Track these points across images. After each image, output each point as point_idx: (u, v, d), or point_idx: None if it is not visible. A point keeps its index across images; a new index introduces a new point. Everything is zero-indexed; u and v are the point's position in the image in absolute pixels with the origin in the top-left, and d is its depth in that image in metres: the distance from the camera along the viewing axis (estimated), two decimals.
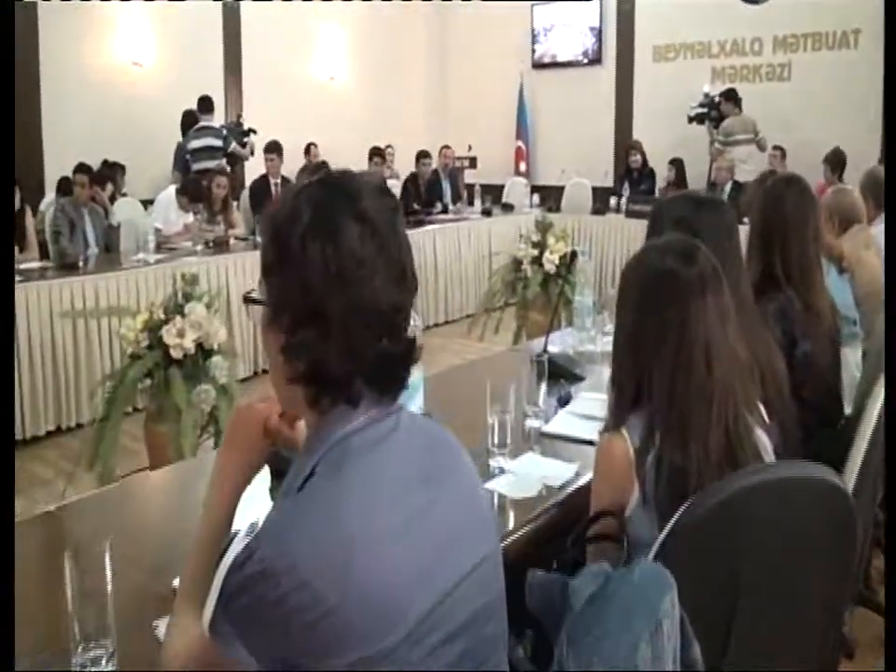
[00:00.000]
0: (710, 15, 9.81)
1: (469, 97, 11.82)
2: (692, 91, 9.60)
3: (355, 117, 10.85)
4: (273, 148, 8.00)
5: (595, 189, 9.91)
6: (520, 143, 11.20)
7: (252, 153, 8.71)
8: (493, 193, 10.40)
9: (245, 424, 1.41)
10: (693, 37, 10.06)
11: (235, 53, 9.91)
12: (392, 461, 1.22)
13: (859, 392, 3.00)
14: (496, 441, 2.30)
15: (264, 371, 6.86)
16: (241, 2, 9.87)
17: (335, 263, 1.14)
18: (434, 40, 12.04)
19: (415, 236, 7.96)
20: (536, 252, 6.48)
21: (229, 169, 8.15)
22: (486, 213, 9.06)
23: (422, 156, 9.24)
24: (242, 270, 6.64)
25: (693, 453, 1.65)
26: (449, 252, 8.17)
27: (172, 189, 7.27)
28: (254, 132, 8.63)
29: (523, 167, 11.16)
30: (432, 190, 9.24)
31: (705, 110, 9.41)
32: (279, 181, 8.03)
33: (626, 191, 9.37)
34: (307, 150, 10.00)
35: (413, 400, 2.59)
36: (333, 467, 1.18)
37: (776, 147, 8.89)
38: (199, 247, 6.91)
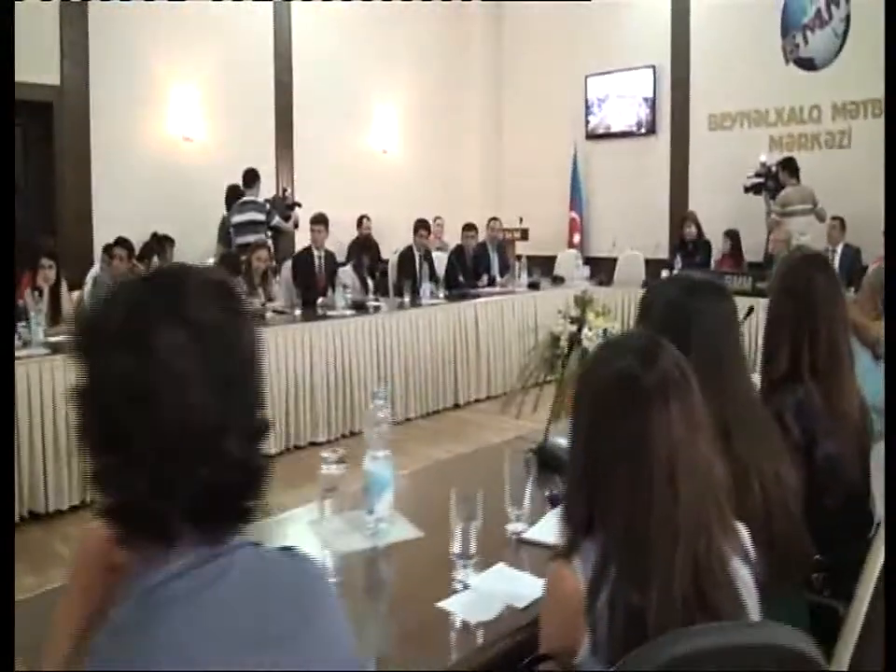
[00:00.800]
0: (767, 82, 9.55)
1: (523, 169, 11.68)
2: (748, 160, 9.32)
3: (408, 189, 10.80)
4: (320, 220, 7.90)
5: (648, 262, 9.63)
6: (573, 214, 10.99)
7: (297, 226, 8.66)
8: (545, 266, 10.21)
9: (85, 553, 1.19)
10: (749, 105, 9.79)
11: (287, 126, 9.95)
12: (213, 617, 0.98)
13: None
14: (458, 550, 2.02)
15: (296, 447, 6.73)
16: (293, 78, 9.96)
17: (142, 377, 0.94)
18: (488, 111, 11.99)
19: (457, 310, 7.79)
20: (574, 328, 6.21)
21: (271, 242, 8.08)
22: (533, 286, 8.82)
23: (467, 228, 9.09)
24: (275, 343, 6.50)
25: (654, 593, 1.36)
26: (492, 326, 7.92)
27: (209, 262, 7.22)
28: (299, 205, 8.59)
29: (576, 239, 10.93)
30: (479, 263, 9.06)
31: (761, 180, 9.11)
32: (323, 254, 7.92)
33: (679, 264, 9.06)
34: (359, 223, 9.95)
35: (382, 499, 2.37)
36: (140, 624, 0.96)
37: (834, 218, 8.52)
38: None
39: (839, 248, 8.40)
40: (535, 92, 11.47)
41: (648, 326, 2.08)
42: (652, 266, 9.40)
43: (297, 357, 6.65)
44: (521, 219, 10.43)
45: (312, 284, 7.74)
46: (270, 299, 7.46)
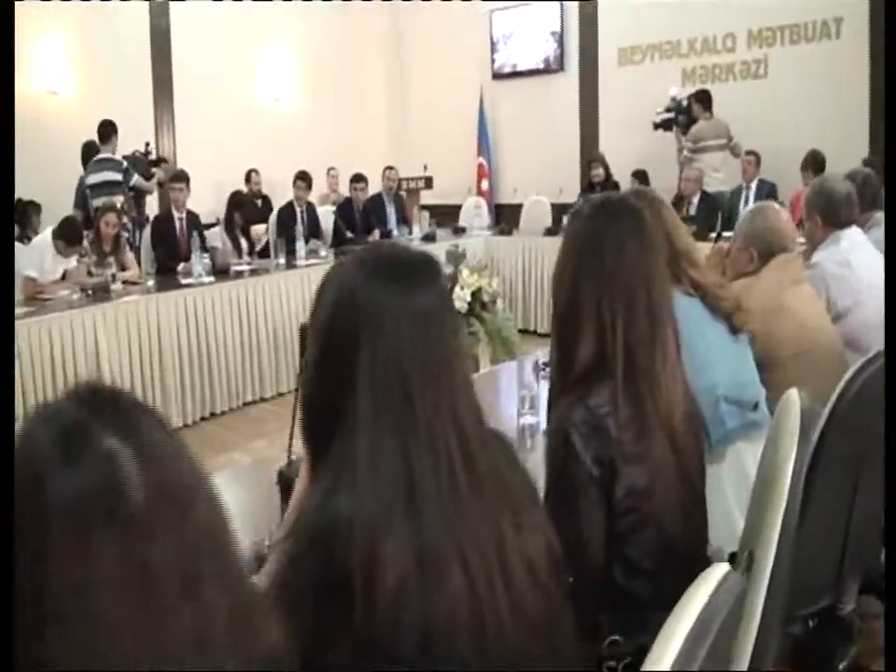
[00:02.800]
0: (679, 11, 8.59)
1: (428, 114, 10.65)
2: (661, 96, 8.40)
3: (305, 140, 9.75)
4: (179, 177, 6.90)
5: (556, 207, 8.72)
6: (481, 159, 10.04)
7: (161, 185, 7.64)
8: (451, 215, 9.30)
9: None
10: (660, 37, 8.84)
11: (165, 75, 8.85)
12: None
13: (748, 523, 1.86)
14: None
15: None
16: (170, 22, 8.86)
17: None
18: (389, 53, 10.90)
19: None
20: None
21: (133, 203, 7.09)
22: (429, 238, 7.90)
23: (355, 179, 8.12)
24: (115, 323, 5.55)
25: None
26: None
27: (48, 231, 6.20)
28: (165, 161, 7.56)
29: (485, 185, 10.00)
30: (370, 216, 8.11)
31: (671, 115, 8.20)
32: (185, 215, 6.93)
33: None
34: (247, 178, 8.93)
35: None
36: None
37: (749, 153, 7.64)
38: (76, 296, 5.86)
39: (753, 184, 7.55)
40: (438, 31, 10.39)
41: None
42: (558, 211, 8.50)
43: (143, 333, 5.70)
44: (425, 167, 9.43)
45: (173, 249, 6.77)
46: (123, 268, 6.49)
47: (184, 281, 6.27)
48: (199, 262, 6.26)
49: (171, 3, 8.80)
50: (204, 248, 6.76)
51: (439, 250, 7.58)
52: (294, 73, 9.95)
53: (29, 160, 7.57)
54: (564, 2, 9.41)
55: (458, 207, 9.47)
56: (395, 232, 8.06)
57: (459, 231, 8.52)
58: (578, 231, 1.76)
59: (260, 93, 9.72)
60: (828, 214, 3.34)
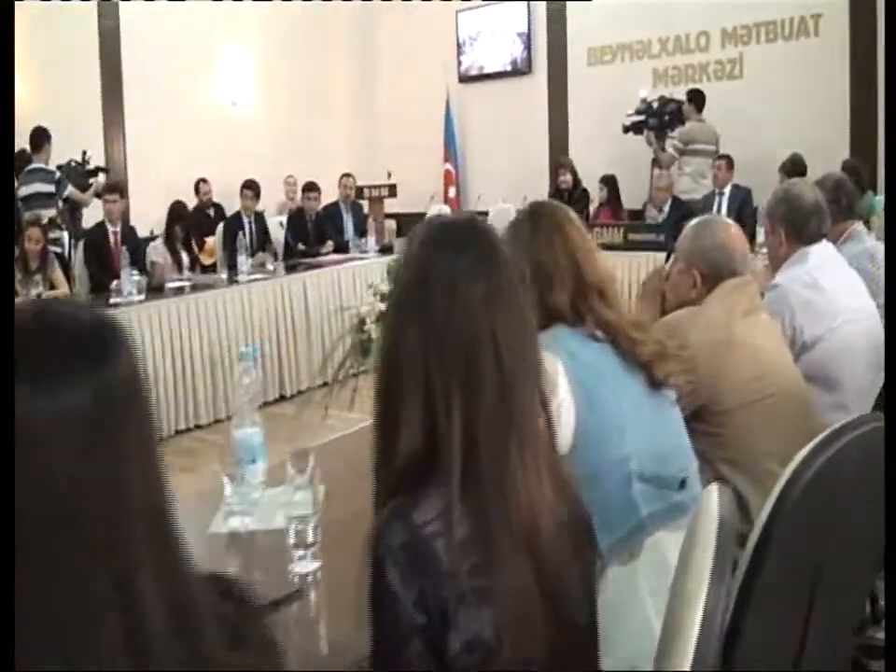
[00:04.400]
0: (650, 9, 8.07)
1: (394, 119, 10.10)
2: (632, 97, 7.87)
3: (263, 146, 9.20)
4: (113, 188, 6.37)
5: None
6: (448, 166, 9.49)
7: (99, 196, 7.06)
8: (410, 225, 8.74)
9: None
10: (630, 36, 8.31)
11: (114, 76, 8.29)
12: None
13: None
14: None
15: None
16: (119, 21, 8.30)
17: None
18: (356, 56, 10.30)
19: (274, 286, 6.31)
20: (384, 306, 4.77)
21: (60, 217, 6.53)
22: (386, 249, 7.36)
23: (307, 188, 7.58)
24: None
25: None
26: (325, 301, 6.42)
27: None
28: (105, 170, 6.99)
29: (452, 192, 9.44)
30: (325, 226, 7.57)
31: (642, 118, 7.67)
32: (119, 228, 6.38)
33: None
34: (196, 188, 8.38)
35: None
36: None
37: (720, 157, 7.12)
38: None
39: (727, 190, 7.02)
40: (405, 33, 9.83)
41: None
42: None
43: None
44: (389, 174, 8.88)
45: (108, 265, 6.22)
46: (52, 286, 5.94)
47: (113, 300, 5.71)
48: (128, 279, 5.70)
49: (120, 2, 8.23)
50: (139, 264, 6.24)
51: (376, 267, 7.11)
52: (252, 75, 9.39)
53: None
54: (531, 1, 8.86)
55: (424, 216, 8.91)
56: (351, 243, 7.49)
57: None
58: (404, 264, 1.22)
59: (216, 96, 9.16)
60: (793, 226, 2.80)
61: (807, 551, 1.39)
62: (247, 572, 1.83)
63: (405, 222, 9.09)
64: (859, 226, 3.30)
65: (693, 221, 2.37)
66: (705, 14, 7.79)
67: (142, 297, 5.70)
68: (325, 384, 6.11)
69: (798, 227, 2.79)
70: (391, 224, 9.57)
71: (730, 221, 2.35)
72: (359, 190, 8.33)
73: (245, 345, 2.39)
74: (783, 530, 1.33)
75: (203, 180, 8.36)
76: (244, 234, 6.91)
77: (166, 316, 5.65)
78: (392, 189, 8.67)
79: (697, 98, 7.37)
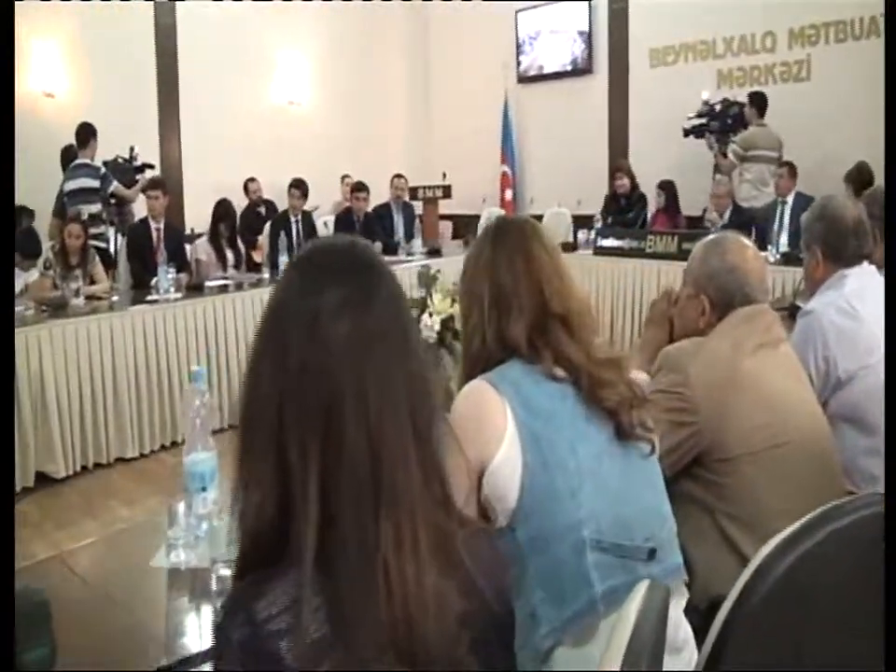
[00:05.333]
0: (715, 8, 7.68)
1: (452, 120, 9.87)
2: (694, 99, 7.49)
3: (320, 146, 9.07)
4: (156, 184, 6.27)
5: (576, 220, 7.89)
6: (505, 168, 9.22)
7: (145, 192, 6.97)
8: (474, 226, 8.51)
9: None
10: (694, 36, 7.92)
11: (171, 77, 8.24)
12: None
13: None
14: None
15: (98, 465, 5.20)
16: (176, 21, 8.24)
17: None
18: (413, 56, 10.09)
19: None
20: (415, 314, 4.55)
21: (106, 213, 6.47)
22: (433, 252, 7.14)
23: (356, 189, 7.39)
24: (62, 343, 4.91)
25: None
26: None
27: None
28: (150, 166, 6.91)
29: (508, 195, 9.18)
30: (374, 227, 7.38)
31: (704, 121, 7.30)
32: (163, 225, 6.29)
33: (605, 221, 7.35)
34: (245, 187, 8.28)
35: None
36: None
37: (783, 164, 6.71)
38: (29, 312, 5.25)
39: (790, 199, 6.60)
40: (462, 32, 9.60)
41: None
42: (581, 224, 7.66)
43: (95, 355, 5.06)
44: (444, 175, 8.67)
45: (149, 262, 6.13)
46: (92, 281, 5.88)
47: (150, 297, 5.62)
48: (165, 277, 5.60)
49: (177, 2, 8.17)
50: (180, 261, 6.16)
51: (450, 266, 6.88)
52: (310, 74, 9.26)
53: (22, 164, 7.05)
54: (592, 0, 8.53)
55: (478, 218, 8.69)
56: (400, 245, 7.29)
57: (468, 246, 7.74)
58: (273, 294, 1.00)
59: (274, 96, 9.05)
60: (830, 246, 2.50)
61: (775, 658, 1.12)
62: (179, 614, 1.67)
63: (461, 224, 8.89)
64: None
65: (704, 240, 2.08)
66: (771, 13, 7.37)
67: (179, 294, 5.60)
68: None
69: (836, 247, 2.49)
70: (447, 225, 9.37)
71: (746, 242, 2.06)
72: (413, 191, 8.14)
73: (198, 366, 2.21)
74: (744, 633, 1.07)
75: (252, 179, 8.28)
76: (287, 234, 6.75)
77: (202, 314, 5.54)
78: (447, 191, 8.46)
79: (759, 101, 6.97)
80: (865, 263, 2.51)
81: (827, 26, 7.18)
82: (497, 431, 1.42)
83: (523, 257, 1.56)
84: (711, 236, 2.09)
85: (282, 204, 8.27)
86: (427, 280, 4.69)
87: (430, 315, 4.54)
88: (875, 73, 6.70)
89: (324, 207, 8.67)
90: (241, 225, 7.98)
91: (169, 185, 8.14)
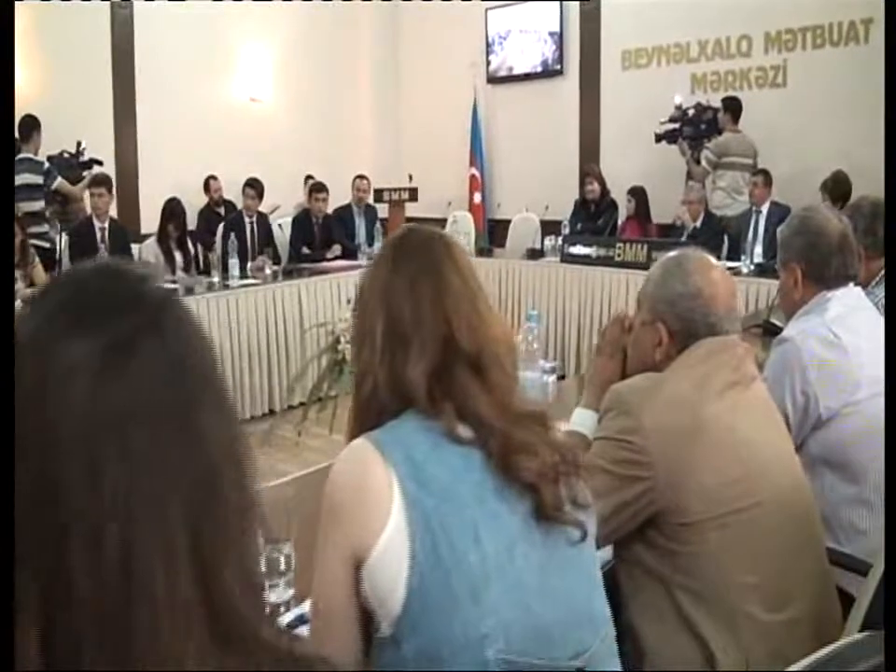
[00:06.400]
0: (689, 10, 7.39)
1: (421, 120, 9.53)
2: (668, 103, 7.20)
3: (284, 143, 8.70)
4: (100, 181, 5.90)
5: (547, 225, 7.57)
6: (474, 170, 8.88)
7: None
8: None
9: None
10: (668, 38, 7.62)
11: (126, 70, 7.83)
12: None
13: None
14: None
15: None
16: (133, 13, 7.84)
17: None
18: (380, 53, 9.69)
19: (273, 291, 5.79)
20: None
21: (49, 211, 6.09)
22: None
23: (315, 189, 7.03)
24: None
25: None
26: (320, 312, 5.85)
27: None
28: (98, 162, 6.50)
29: (477, 198, 8.83)
30: (333, 229, 7.03)
31: (676, 126, 7.01)
32: (107, 224, 5.91)
33: (572, 227, 7.03)
34: (206, 186, 7.90)
35: None
36: None
37: (757, 172, 6.42)
38: None
39: (764, 208, 6.32)
40: (432, 31, 9.25)
41: None
42: (550, 230, 7.34)
43: None
44: (410, 177, 8.32)
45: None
46: (31, 283, 5.49)
47: None
48: None
49: None
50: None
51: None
52: (273, 71, 8.87)
53: None
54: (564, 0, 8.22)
55: (445, 222, 8.36)
56: (360, 249, 6.93)
57: None
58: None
59: (235, 91, 8.66)
60: (811, 265, 2.18)
61: None
62: None
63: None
64: None
65: (664, 257, 1.75)
66: (747, 17, 7.08)
67: None
68: (301, 403, 5.64)
69: (818, 266, 2.17)
70: None
71: (713, 261, 1.73)
72: (379, 193, 7.78)
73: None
74: None
75: (213, 177, 7.88)
76: (241, 235, 6.40)
77: None
78: (413, 193, 8.08)
79: (733, 106, 6.68)
80: (850, 285, 2.19)
81: (804, 31, 6.90)
82: (380, 511, 1.08)
83: (429, 280, 1.22)
84: (672, 253, 1.75)
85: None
86: None
87: None
88: (853, 80, 6.51)
89: (286, 208, 8.30)
90: (198, 225, 7.64)
91: (124, 183, 7.82)
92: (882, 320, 2.25)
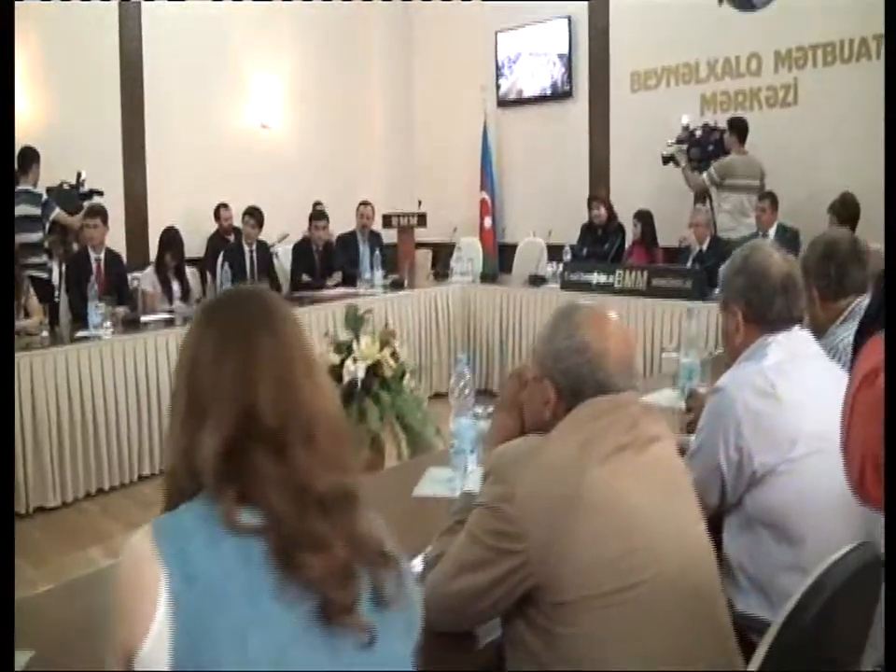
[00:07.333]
0: (698, 29, 7.23)
1: (430, 144, 9.45)
2: (677, 124, 7.03)
3: (295, 170, 8.67)
4: (95, 212, 5.86)
5: (552, 250, 7.42)
6: (484, 195, 8.76)
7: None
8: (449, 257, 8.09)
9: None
10: (677, 58, 7.46)
11: (136, 98, 7.83)
12: None
13: None
14: None
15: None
16: (142, 43, 7.85)
17: None
18: (392, 79, 9.65)
19: None
20: (338, 358, 4.09)
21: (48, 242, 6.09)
22: (396, 285, 6.69)
23: (314, 217, 6.96)
24: None
25: None
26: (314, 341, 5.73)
27: None
28: (98, 193, 6.49)
29: (488, 223, 8.70)
30: (334, 257, 6.95)
31: (683, 147, 6.83)
32: (103, 255, 5.87)
33: (581, 252, 6.89)
34: (216, 214, 7.86)
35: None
36: None
37: (764, 195, 6.21)
38: None
39: (771, 232, 6.12)
40: (445, 56, 9.19)
41: None
42: (554, 254, 7.20)
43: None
44: (420, 203, 8.21)
45: (89, 294, 5.71)
46: (27, 315, 5.47)
47: (81, 333, 5.20)
48: (94, 312, 5.18)
49: (143, 17, 7.78)
50: (122, 293, 5.78)
51: (405, 301, 6.44)
52: (284, 97, 8.84)
53: None
54: (572, 22, 8.08)
55: (454, 247, 8.26)
56: (366, 275, 6.83)
57: (441, 277, 7.29)
58: None
59: (247, 118, 8.65)
60: (752, 307, 2.02)
61: None
62: None
63: (443, 253, 8.45)
64: (866, 301, 2.43)
65: (560, 307, 1.60)
66: (756, 35, 6.91)
67: (109, 331, 5.17)
68: None
69: (759, 308, 2.01)
70: (426, 254, 8.93)
71: (610, 314, 1.58)
72: (387, 219, 7.71)
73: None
74: None
75: (224, 205, 7.83)
76: (240, 264, 6.35)
77: (132, 351, 5.10)
78: (422, 219, 7.99)
79: (739, 127, 6.49)
80: (796, 328, 2.03)
81: (814, 48, 6.71)
82: (147, 611, 0.96)
83: (235, 347, 1.10)
84: (568, 303, 1.60)
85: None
86: (354, 321, 4.25)
87: (354, 360, 4.09)
88: (865, 97, 6.29)
89: (296, 235, 8.25)
90: (206, 252, 7.61)
91: (133, 210, 7.83)
92: (835, 367, 2.09)
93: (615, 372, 1.48)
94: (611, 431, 1.43)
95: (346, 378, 3.99)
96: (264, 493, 1.01)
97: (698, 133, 6.81)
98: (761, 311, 2.01)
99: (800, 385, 1.90)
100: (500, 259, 8.53)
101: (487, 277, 7.09)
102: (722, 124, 6.78)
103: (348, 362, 4.02)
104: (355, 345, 4.06)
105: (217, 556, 0.98)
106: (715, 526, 1.96)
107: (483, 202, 8.75)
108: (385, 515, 2.24)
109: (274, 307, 1.16)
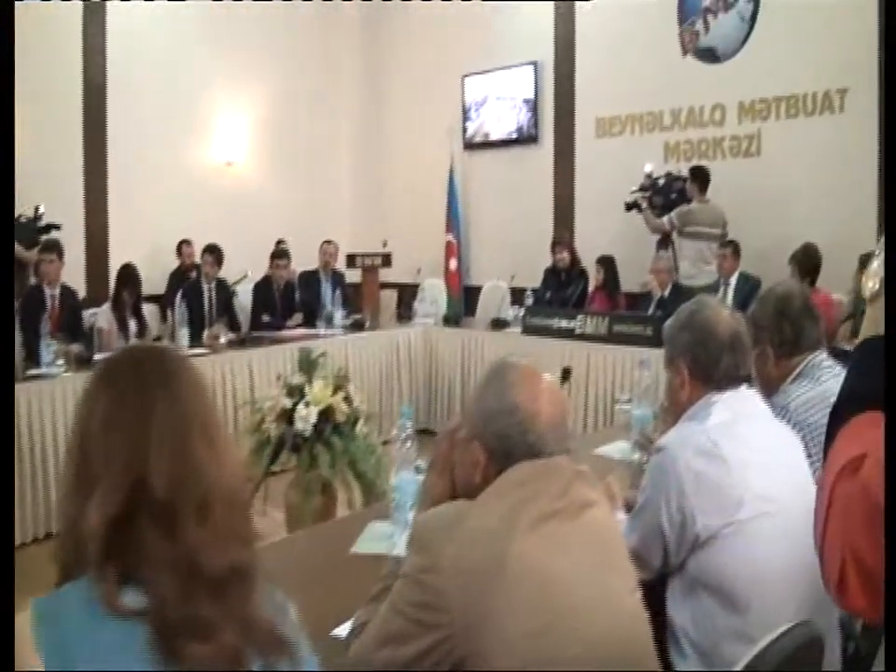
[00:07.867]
0: (662, 79, 7.31)
1: (396, 185, 9.47)
2: (641, 172, 7.08)
3: (260, 208, 8.63)
4: (51, 247, 5.77)
5: (515, 293, 7.40)
6: (450, 237, 8.75)
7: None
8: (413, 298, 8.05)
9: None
10: (641, 107, 7.53)
11: (98, 135, 7.78)
12: None
13: None
14: None
15: None
16: (107, 79, 7.80)
17: None
18: (360, 120, 9.70)
19: (222, 361, 5.61)
20: (290, 402, 4.00)
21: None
22: (356, 326, 6.63)
23: (275, 256, 6.90)
24: None
25: None
26: (268, 383, 5.61)
27: None
28: (56, 227, 6.39)
29: (453, 265, 8.68)
30: (296, 296, 6.88)
31: (647, 194, 6.87)
32: (58, 291, 5.76)
33: (541, 297, 6.87)
34: (178, 250, 7.78)
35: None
36: None
37: (725, 243, 6.25)
38: None
39: (733, 280, 6.15)
40: (412, 98, 9.24)
41: None
42: (517, 298, 7.18)
43: None
44: (384, 243, 8.18)
45: (42, 330, 5.59)
46: None
47: (31, 371, 5.08)
48: (46, 349, 5.06)
49: (108, 50, 7.73)
50: (76, 331, 5.66)
51: (364, 343, 6.37)
52: (250, 134, 8.82)
53: None
54: (538, 67, 8.14)
55: (417, 287, 8.23)
56: (321, 317, 6.73)
57: (405, 319, 7.24)
58: None
59: (212, 155, 8.60)
60: (698, 364, 1.98)
61: None
62: None
63: (408, 294, 8.41)
64: (818, 357, 2.39)
65: (491, 365, 1.55)
66: (720, 86, 7.00)
67: (61, 369, 5.05)
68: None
69: (705, 365, 1.97)
70: (391, 295, 8.88)
71: (543, 374, 1.52)
72: (352, 259, 7.66)
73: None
74: None
75: (186, 242, 7.75)
76: (197, 302, 6.25)
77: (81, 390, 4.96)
78: (386, 259, 7.96)
79: (701, 176, 6.53)
80: (743, 387, 1.99)
81: (778, 101, 6.78)
82: None
83: (128, 411, 1.03)
84: (500, 361, 1.55)
85: (225, 269, 7.78)
86: (307, 364, 4.17)
87: (307, 404, 4.01)
88: (828, 150, 6.37)
89: (258, 273, 8.17)
90: (167, 288, 7.50)
91: (94, 245, 7.73)
92: (782, 426, 2.05)
93: (546, 435, 1.42)
94: (541, 497, 1.37)
95: (298, 423, 3.91)
96: (150, 572, 0.94)
97: (661, 181, 6.87)
98: (707, 369, 1.96)
99: (745, 445, 1.85)
100: (465, 301, 8.50)
101: (450, 320, 7.05)
102: (685, 172, 6.83)
103: (300, 406, 3.93)
104: (307, 389, 3.98)
105: (97, 643, 0.90)
106: (662, 586, 1.90)
107: (448, 244, 8.74)
108: (318, 574, 2.17)
109: (174, 368, 1.10)
